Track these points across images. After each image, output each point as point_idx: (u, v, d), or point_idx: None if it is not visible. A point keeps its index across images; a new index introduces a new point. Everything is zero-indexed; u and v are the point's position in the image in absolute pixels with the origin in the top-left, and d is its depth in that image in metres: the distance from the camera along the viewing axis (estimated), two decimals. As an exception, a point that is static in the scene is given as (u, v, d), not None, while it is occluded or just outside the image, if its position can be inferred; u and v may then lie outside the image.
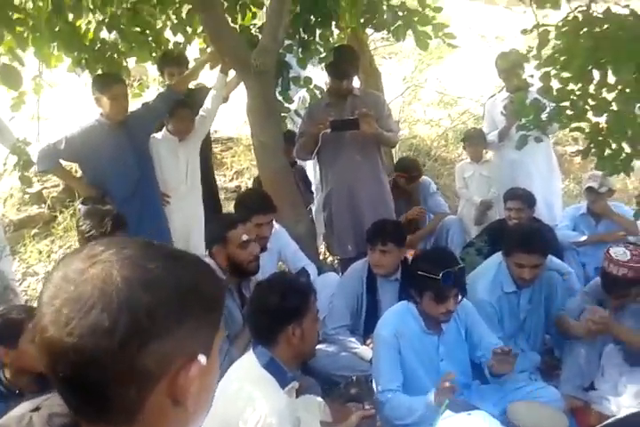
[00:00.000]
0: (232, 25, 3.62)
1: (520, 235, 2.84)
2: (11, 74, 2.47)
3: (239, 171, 6.03)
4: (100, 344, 0.56)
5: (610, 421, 2.19)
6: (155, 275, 0.60)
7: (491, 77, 6.15)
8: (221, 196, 4.81)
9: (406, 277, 2.99)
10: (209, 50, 3.96)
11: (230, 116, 5.57)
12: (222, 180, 5.65)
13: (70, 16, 3.17)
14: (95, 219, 2.55)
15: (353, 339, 2.99)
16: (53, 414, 0.77)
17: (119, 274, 0.59)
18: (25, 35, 2.65)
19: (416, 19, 3.53)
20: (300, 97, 4.48)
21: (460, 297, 2.39)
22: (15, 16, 2.55)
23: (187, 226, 3.56)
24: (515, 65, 3.82)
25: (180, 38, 4.09)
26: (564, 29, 2.57)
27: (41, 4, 3.13)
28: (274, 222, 3.22)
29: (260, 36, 3.45)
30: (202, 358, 0.63)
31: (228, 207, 4.77)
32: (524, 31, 2.76)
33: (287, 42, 3.59)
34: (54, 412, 0.77)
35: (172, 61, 3.70)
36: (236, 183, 5.85)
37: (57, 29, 3.09)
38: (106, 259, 0.60)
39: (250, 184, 5.53)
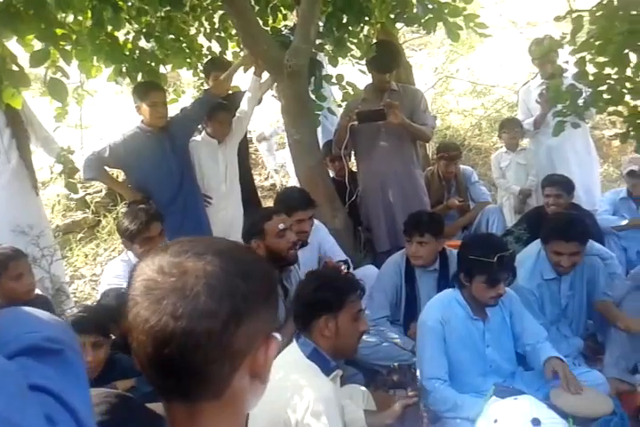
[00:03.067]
0: (264, 27, 3.69)
1: (557, 223, 2.81)
2: (57, 87, 2.60)
3: (273, 169, 6.13)
4: (206, 326, 0.64)
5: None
6: (246, 266, 0.71)
7: (523, 64, 6.09)
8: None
9: (445, 265, 3.01)
10: (242, 53, 4.07)
11: (261, 117, 5.66)
12: (257, 179, 5.73)
13: (109, 28, 3.30)
14: (130, 217, 2.69)
15: (394, 329, 3.01)
16: None
17: (217, 265, 0.67)
18: (69, 49, 2.77)
19: (446, 11, 3.51)
20: (331, 94, 4.53)
21: (507, 281, 2.37)
22: (59, 32, 2.68)
23: (228, 225, 3.65)
24: (549, 51, 3.77)
25: (214, 43, 4.20)
26: (598, 14, 2.54)
27: (81, 18, 3.29)
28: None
29: (292, 38, 3.51)
30: (277, 335, 0.73)
31: (267, 205, 4.87)
32: (558, 18, 2.74)
33: (318, 41, 3.62)
34: None
35: (218, 66, 3.77)
36: (272, 182, 5.95)
37: (97, 42, 3.23)
38: (200, 253, 0.68)
39: (285, 182, 5.63)
